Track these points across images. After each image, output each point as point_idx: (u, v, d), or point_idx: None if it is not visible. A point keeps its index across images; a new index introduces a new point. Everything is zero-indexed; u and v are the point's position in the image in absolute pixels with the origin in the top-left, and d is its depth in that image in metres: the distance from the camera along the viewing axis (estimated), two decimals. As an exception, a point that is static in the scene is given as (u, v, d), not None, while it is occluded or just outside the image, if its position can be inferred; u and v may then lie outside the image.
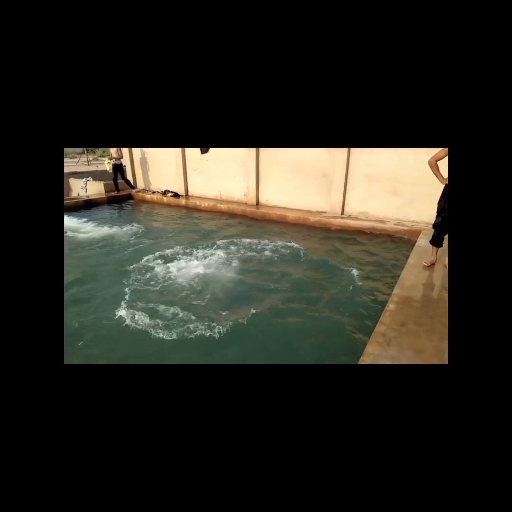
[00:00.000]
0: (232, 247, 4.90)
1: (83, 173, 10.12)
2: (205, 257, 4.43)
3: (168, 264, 4.12)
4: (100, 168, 12.39)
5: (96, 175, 9.62)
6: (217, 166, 7.58)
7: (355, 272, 3.96)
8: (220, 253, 4.60)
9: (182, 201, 7.92)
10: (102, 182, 8.52)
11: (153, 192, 8.52)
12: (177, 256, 4.45)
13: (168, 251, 4.62)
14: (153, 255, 4.47)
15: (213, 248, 4.86)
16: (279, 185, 6.91)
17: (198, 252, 4.64)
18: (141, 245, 5.01)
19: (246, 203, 7.35)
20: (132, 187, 8.81)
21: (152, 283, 3.67)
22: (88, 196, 8.08)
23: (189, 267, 4.04)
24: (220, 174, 7.63)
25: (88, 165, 13.69)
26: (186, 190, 8.30)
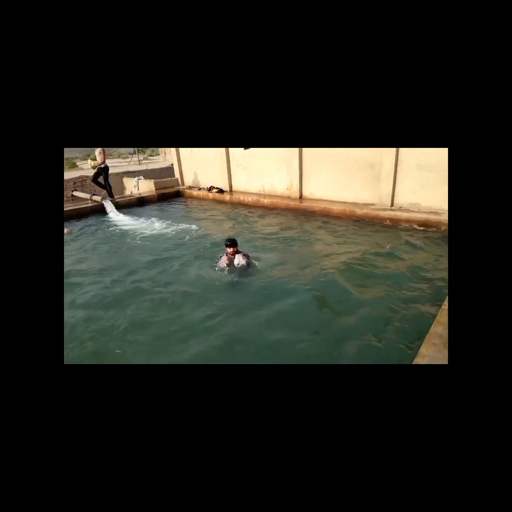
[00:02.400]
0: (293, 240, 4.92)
1: (135, 172, 10.80)
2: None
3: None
4: (150, 166, 13.11)
5: (147, 174, 10.21)
6: (260, 161, 7.63)
7: (406, 267, 3.78)
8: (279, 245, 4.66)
9: (227, 196, 8.11)
10: (152, 180, 9.01)
11: (199, 189, 8.82)
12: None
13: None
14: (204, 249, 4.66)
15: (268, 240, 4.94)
16: (323, 177, 6.77)
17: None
18: (197, 240, 5.24)
19: (289, 197, 7.33)
20: (111, 196, 7.61)
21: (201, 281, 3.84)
22: (140, 194, 8.60)
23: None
24: (263, 169, 7.67)
25: (139, 164, 14.57)
26: (230, 186, 8.48)
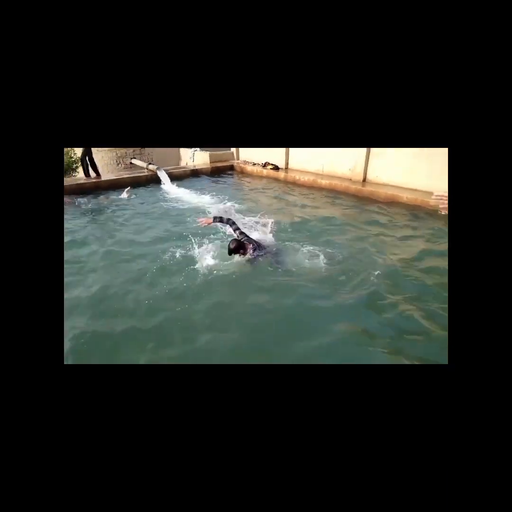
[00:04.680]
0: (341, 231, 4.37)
1: (193, 144, 10.70)
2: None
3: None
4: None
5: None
6: (322, 137, 6.92)
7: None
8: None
9: (281, 174, 7.59)
10: (208, 152, 8.81)
11: (254, 164, 8.42)
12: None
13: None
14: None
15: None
16: (394, 160, 5.89)
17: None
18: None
19: (350, 180, 6.57)
20: (87, 175, 6.88)
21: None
22: (194, 166, 8.49)
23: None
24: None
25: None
26: (287, 163, 7.92)
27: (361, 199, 5.89)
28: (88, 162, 6.86)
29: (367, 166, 6.34)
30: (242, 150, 9.03)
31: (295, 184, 7.14)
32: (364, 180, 6.42)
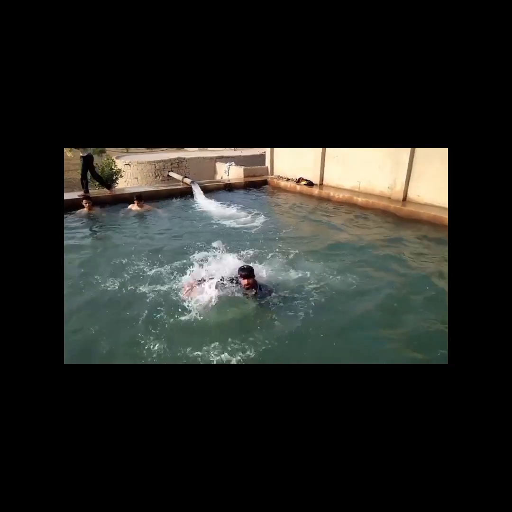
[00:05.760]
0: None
1: (229, 158, 10.88)
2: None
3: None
4: (244, 153, 13.15)
5: (240, 160, 10.18)
6: (360, 154, 6.67)
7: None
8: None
9: (315, 190, 7.40)
10: (242, 167, 8.87)
11: (288, 180, 8.32)
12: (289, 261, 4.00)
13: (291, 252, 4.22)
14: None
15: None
16: (439, 179, 5.49)
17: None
18: (262, 236, 4.81)
19: (389, 198, 6.23)
20: (86, 190, 6.19)
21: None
22: (229, 180, 8.56)
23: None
24: (362, 163, 6.70)
25: (234, 150, 14.80)
26: (321, 179, 7.72)
27: (401, 219, 5.54)
28: (88, 179, 6.19)
29: (408, 184, 5.99)
30: (276, 164, 8.99)
31: (329, 201, 6.91)
32: (404, 199, 6.06)
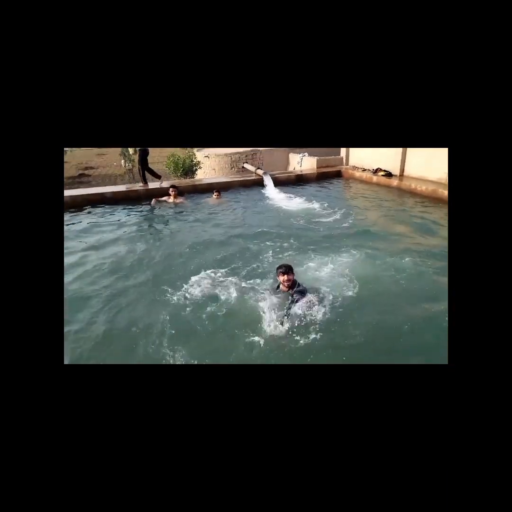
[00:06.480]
0: None
1: (301, 149, 10.70)
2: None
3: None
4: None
5: (313, 151, 9.92)
6: (451, 140, 5.91)
7: None
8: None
9: (394, 182, 6.85)
10: (315, 157, 8.65)
11: (364, 170, 7.85)
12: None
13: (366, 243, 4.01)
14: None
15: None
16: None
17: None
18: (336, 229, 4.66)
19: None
20: (146, 182, 6.64)
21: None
22: (301, 171, 8.46)
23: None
24: (453, 150, 5.94)
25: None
26: (402, 170, 7.10)
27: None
28: (141, 168, 6.67)
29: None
30: (352, 155, 8.54)
31: (410, 193, 6.33)
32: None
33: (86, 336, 2.43)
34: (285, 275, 2.65)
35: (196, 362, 1.93)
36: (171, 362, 1.92)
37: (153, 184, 6.88)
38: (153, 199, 6.09)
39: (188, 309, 2.73)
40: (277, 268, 2.74)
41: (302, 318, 2.49)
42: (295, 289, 2.67)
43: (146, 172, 6.72)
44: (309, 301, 2.63)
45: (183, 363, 1.93)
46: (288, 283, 2.66)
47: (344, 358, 2.13)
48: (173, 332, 2.41)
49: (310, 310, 2.57)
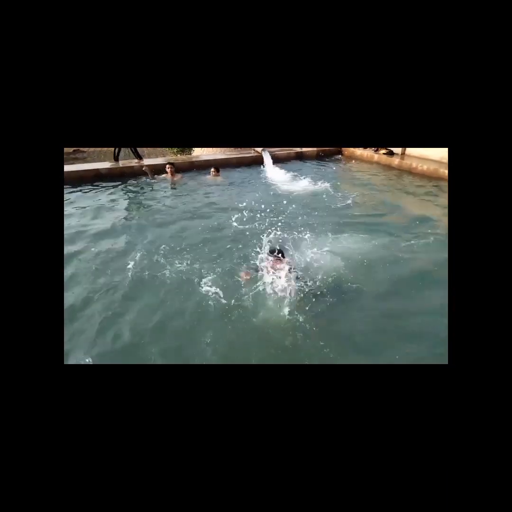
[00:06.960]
0: None
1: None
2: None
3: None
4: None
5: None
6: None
7: None
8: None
9: (395, 160, 6.73)
10: (316, 134, 8.44)
11: (365, 148, 7.68)
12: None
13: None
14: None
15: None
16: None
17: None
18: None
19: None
20: (140, 157, 6.67)
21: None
22: (301, 149, 8.27)
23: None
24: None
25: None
26: (404, 148, 6.95)
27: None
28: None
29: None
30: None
31: (411, 172, 6.24)
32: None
33: (86, 335, 2.38)
34: (278, 259, 2.61)
35: (195, 362, 1.95)
36: (167, 356, 1.91)
37: (148, 160, 6.73)
38: (152, 174, 5.93)
39: (190, 299, 2.70)
40: (271, 252, 2.68)
41: (297, 303, 2.48)
42: (290, 271, 2.62)
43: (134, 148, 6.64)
44: (304, 285, 2.61)
45: (183, 363, 1.93)
46: (280, 266, 2.62)
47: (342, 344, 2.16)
48: (172, 323, 2.40)
49: (306, 292, 2.56)
